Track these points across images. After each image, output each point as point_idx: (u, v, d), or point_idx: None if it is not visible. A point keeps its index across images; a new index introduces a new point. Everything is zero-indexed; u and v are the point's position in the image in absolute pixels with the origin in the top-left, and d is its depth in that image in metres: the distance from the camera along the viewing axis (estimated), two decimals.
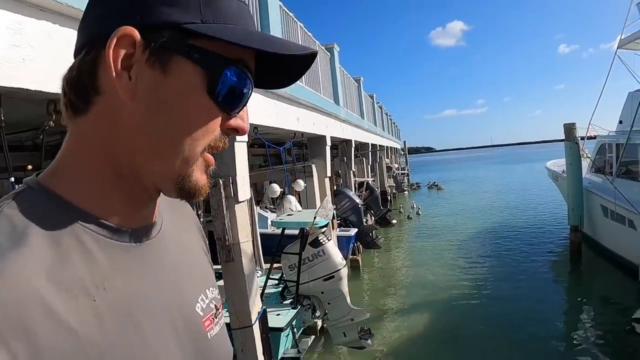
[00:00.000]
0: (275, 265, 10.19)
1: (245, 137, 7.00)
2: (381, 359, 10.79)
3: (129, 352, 0.78)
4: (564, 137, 17.55)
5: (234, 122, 0.86)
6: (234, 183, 6.81)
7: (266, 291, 9.96)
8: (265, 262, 10.32)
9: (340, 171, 20.57)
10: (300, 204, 13.24)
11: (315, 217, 8.92)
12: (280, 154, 12.82)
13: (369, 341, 9.64)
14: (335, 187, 18.42)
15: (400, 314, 13.37)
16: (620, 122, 17.22)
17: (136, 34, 0.76)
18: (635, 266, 13.70)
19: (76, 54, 0.83)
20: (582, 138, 18.04)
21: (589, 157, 18.43)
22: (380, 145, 36.24)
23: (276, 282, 10.36)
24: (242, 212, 7.11)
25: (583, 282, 16.21)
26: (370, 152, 29.70)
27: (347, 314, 9.33)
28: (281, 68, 0.90)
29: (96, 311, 0.75)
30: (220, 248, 6.96)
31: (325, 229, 9.69)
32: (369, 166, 28.03)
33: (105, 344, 0.74)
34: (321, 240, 9.24)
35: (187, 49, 0.78)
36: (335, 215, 12.85)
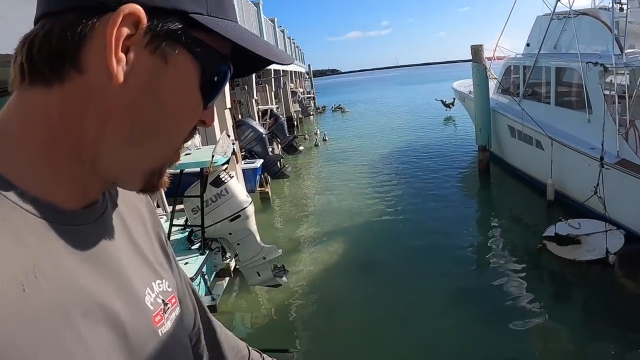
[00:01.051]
0: (179, 207, 9.58)
1: None
2: (299, 294, 10.67)
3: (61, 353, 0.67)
4: (470, 58, 17.65)
5: (204, 114, 0.84)
6: None
7: (172, 238, 9.37)
8: (170, 205, 9.78)
9: (241, 100, 19.78)
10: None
11: (213, 155, 8.30)
12: None
13: (284, 278, 9.42)
14: (237, 118, 17.70)
15: (315, 244, 13.25)
16: (528, 44, 17.51)
17: (143, 15, 0.71)
18: (543, 185, 14.22)
19: (55, 12, 0.72)
20: (489, 59, 18.24)
21: (495, 79, 18.78)
22: (283, 71, 35.39)
23: (182, 227, 9.78)
24: None
25: (492, 201, 16.78)
26: (273, 78, 28.96)
27: (259, 253, 9.00)
28: (249, 63, 0.90)
29: (27, 303, 0.65)
30: None
31: (226, 165, 9.11)
32: (273, 92, 27.34)
33: (32, 345, 0.63)
34: (223, 179, 8.67)
35: (190, 41, 0.76)
36: (236, 148, 12.21)
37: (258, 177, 15.41)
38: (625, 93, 11.07)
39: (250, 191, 13.84)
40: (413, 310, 9.79)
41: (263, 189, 16.70)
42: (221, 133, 10.31)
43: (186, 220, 9.49)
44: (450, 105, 35.98)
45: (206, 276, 8.67)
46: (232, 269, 10.42)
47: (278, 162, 17.00)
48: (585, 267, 10.30)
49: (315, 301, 10.42)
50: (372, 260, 12.07)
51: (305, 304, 10.38)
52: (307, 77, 71.98)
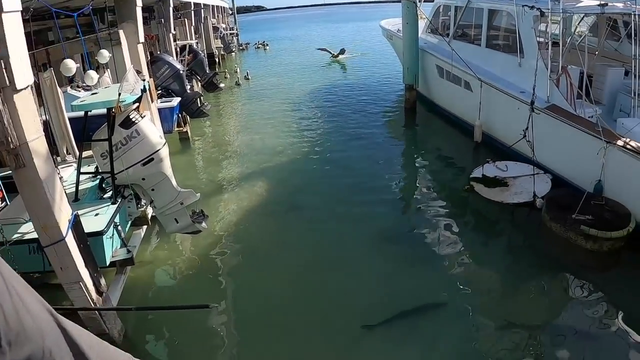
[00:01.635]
0: (87, 153, 8.63)
1: (17, 5, 5.24)
2: (221, 240, 10.11)
3: None
4: None
5: None
6: (8, 67, 5.17)
7: (82, 187, 8.48)
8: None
9: (158, 35, 18.35)
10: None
11: (119, 94, 7.36)
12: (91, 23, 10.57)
13: (204, 224, 8.84)
14: (152, 54, 16.40)
15: (237, 186, 12.63)
16: None
17: None
18: (471, 126, 14.09)
19: None
20: None
21: (426, 18, 18.29)
22: (204, 4, 33.43)
23: (92, 175, 8.85)
24: (24, 103, 5.50)
25: (418, 141, 16.59)
26: (193, 12, 27.30)
27: (175, 198, 8.34)
28: None
29: None
30: (7, 153, 5.49)
31: (137, 104, 8.20)
32: (193, 27, 25.74)
33: None
34: (133, 119, 7.78)
35: None
36: (150, 86, 11.17)
37: (175, 116, 14.44)
38: (559, 39, 10.97)
39: (167, 132, 12.91)
40: (338, 253, 9.55)
41: (181, 129, 15.75)
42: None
43: (96, 168, 8.59)
44: (338, 55, 34.89)
45: (120, 227, 7.90)
46: (149, 217, 9.66)
47: (197, 100, 16.03)
48: (512, 210, 10.33)
49: (238, 246, 9.97)
50: (296, 202, 11.66)
51: (228, 249, 9.89)
52: (231, 12, 69.17)
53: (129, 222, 8.77)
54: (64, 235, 6.06)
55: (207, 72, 21.23)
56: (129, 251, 8.02)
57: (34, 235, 6.43)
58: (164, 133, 9.15)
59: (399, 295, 8.26)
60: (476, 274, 8.76)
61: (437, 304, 7.95)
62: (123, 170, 7.81)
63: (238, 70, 28.44)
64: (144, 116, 8.07)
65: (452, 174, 12.82)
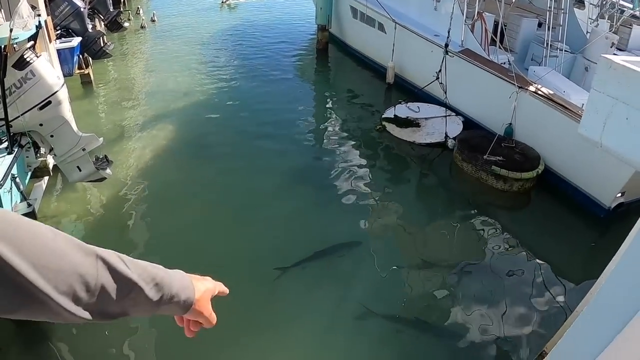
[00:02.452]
0: None
1: None
2: (128, 186, 9.63)
3: None
4: None
5: None
6: None
7: None
8: None
9: None
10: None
11: (11, 30, 6.60)
12: None
13: (108, 170, 8.38)
14: None
15: (143, 129, 12.00)
16: None
17: None
18: (383, 68, 14.03)
19: None
20: None
21: None
22: None
23: None
24: None
25: (330, 81, 16.44)
26: None
27: (77, 144, 7.82)
28: None
29: None
30: None
31: (32, 43, 7.43)
32: None
33: None
34: (28, 59, 7.06)
35: None
36: (48, 24, 10.18)
37: (76, 57, 13.37)
38: None
39: (67, 75, 11.95)
40: (249, 195, 9.41)
41: (83, 71, 14.58)
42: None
43: None
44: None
45: (18, 179, 7.26)
46: (50, 166, 8.97)
47: (99, 40, 14.88)
48: (424, 150, 10.54)
49: (146, 193, 9.54)
50: (205, 144, 11.31)
51: (136, 196, 9.45)
52: None
53: (29, 174, 8.12)
54: None
55: (111, 10, 19.71)
56: (29, 205, 7.46)
57: None
58: (64, 76, 8.39)
59: (312, 236, 8.32)
60: (389, 213, 8.94)
61: (350, 243, 8.07)
62: (19, 117, 7.13)
63: (141, 12, 26.56)
64: (39, 55, 7.34)
65: (364, 115, 12.82)
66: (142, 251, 8.08)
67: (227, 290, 1.67)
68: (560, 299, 7.12)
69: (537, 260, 7.78)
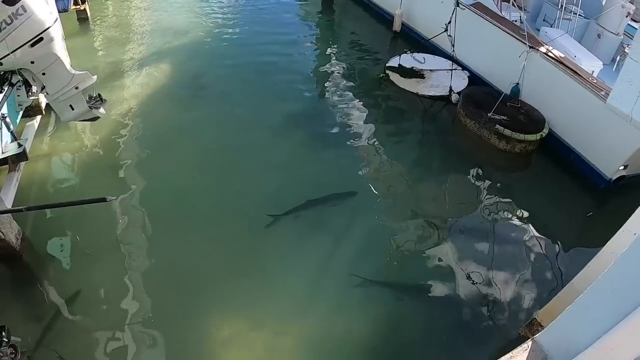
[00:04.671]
0: None
1: None
2: (122, 126, 9.46)
3: None
4: None
5: None
6: None
7: None
8: None
9: None
10: None
11: None
12: None
13: (102, 109, 8.11)
14: None
15: (139, 67, 11.67)
16: None
17: None
18: (390, 15, 13.52)
19: None
20: None
21: None
22: None
23: None
24: None
25: (335, 27, 15.78)
26: None
27: (70, 82, 7.51)
28: None
29: None
30: None
31: None
32: None
33: None
34: None
35: None
36: None
37: None
38: None
39: (62, 11, 11.47)
40: (245, 137, 9.29)
41: (79, 7, 13.96)
42: None
43: None
44: None
45: (8, 118, 7.02)
46: (42, 105, 8.70)
47: None
48: (427, 102, 10.31)
49: (141, 133, 9.39)
50: (202, 85, 11.02)
51: (129, 136, 9.30)
52: None
53: (20, 113, 7.85)
54: None
55: None
56: (20, 145, 7.23)
57: None
58: (59, 12, 7.98)
59: (306, 183, 8.27)
60: (387, 165, 8.86)
61: (345, 194, 8.02)
62: (9, 54, 6.82)
63: None
64: None
65: (368, 62, 12.45)
66: (134, 193, 8.03)
67: None
68: (551, 264, 7.11)
69: (531, 224, 7.74)
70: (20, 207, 6.51)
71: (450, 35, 10.31)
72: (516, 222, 7.80)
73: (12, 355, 4.35)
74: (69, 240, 7.24)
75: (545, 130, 8.71)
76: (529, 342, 3.45)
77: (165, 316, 6.26)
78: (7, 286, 6.75)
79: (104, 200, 5.58)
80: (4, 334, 4.15)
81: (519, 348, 3.45)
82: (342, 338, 6.00)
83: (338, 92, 10.94)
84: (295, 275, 6.75)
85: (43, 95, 8.13)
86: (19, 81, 7.46)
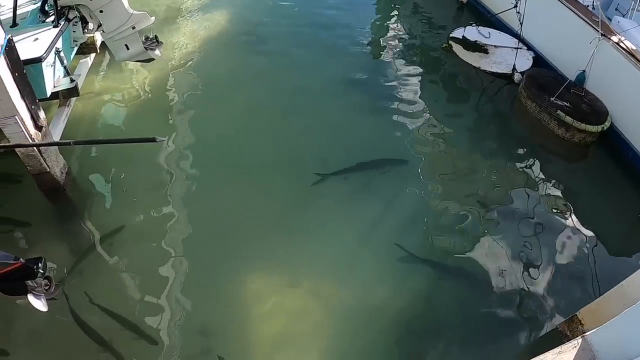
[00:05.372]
0: None
1: None
2: (175, 70, 9.43)
3: None
4: None
5: None
6: None
7: (22, 10, 7.42)
8: None
9: None
10: None
11: None
12: None
13: (157, 51, 8.14)
14: None
15: (198, 12, 11.68)
16: None
17: None
18: None
19: None
20: None
21: None
22: None
23: None
24: None
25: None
26: None
27: (127, 22, 7.54)
28: None
29: None
30: None
31: None
32: None
33: None
34: None
35: None
36: None
37: None
38: None
39: None
40: (299, 93, 9.15)
41: None
42: None
43: None
44: None
45: (62, 53, 7.05)
46: (97, 43, 8.71)
47: None
48: (488, 78, 9.85)
49: (194, 78, 9.35)
50: (259, 36, 10.82)
51: (182, 81, 9.27)
52: None
53: (74, 49, 7.90)
54: None
55: None
56: (72, 80, 7.29)
57: None
58: None
59: (358, 145, 8.09)
60: (440, 137, 8.59)
61: (396, 161, 7.85)
62: None
63: None
64: None
65: (430, 30, 11.98)
66: (182, 137, 8.05)
67: None
68: (595, 262, 6.78)
69: (580, 219, 7.33)
70: (68, 141, 6.56)
71: (519, 12, 9.78)
72: (563, 214, 7.45)
73: (47, 287, 4.38)
74: (112, 179, 7.34)
75: (607, 123, 8.24)
76: (579, 340, 3.32)
77: (200, 262, 6.33)
78: (49, 218, 6.90)
79: (153, 140, 5.54)
80: (40, 265, 4.17)
81: (569, 344, 3.33)
82: (376, 308, 5.92)
83: (397, 57, 10.62)
84: (337, 237, 6.67)
85: (99, 33, 8.14)
86: (75, 17, 7.48)
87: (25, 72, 5.90)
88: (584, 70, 8.73)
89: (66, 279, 6.00)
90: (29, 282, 4.12)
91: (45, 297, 4.31)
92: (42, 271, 4.20)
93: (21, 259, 3.97)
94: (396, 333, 5.74)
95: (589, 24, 8.63)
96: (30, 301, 4.13)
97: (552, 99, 8.43)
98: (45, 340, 5.60)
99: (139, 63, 8.71)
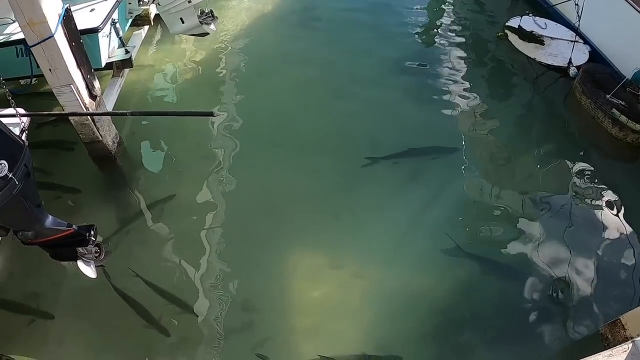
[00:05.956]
0: None
1: None
2: (228, 45, 9.55)
3: None
4: None
5: None
6: None
7: None
8: None
9: None
10: None
11: None
12: None
13: (212, 26, 8.17)
14: None
15: None
16: None
17: None
18: None
19: None
20: None
21: None
22: None
23: None
24: None
25: None
26: None
27: None
28: None
29: None
30: None
31: None
32: None
33: None
34: None
35: None
36: None
37: None
38: None
39: None
40: (351, 74, 9.15)
41: None
42: None
43: None
44: None
45: (118, 24, 7.18)
46: (151, 16, 8.83)
47: None
48: (541, 70, 9.60)
49: (247, 55, 9.45)
50: (312, 16, 10.84)
51: (236, 57, 9.39)
52: None
53: (129, 21, 8.04)
54: (53, 31, 5.42)
55: None
56: (127, 51, 7.43)
57: (22, 35, 5.75)
58: None
59: (408, 131, 8.08)
60: (489, 128, 8.48)
61: (447, 149, 7.81)
62: None
63: None
64: None
65: (484, 18, 11.70)
66: (232, 113, 8.17)
67: None
68: None
69: (626, 222, 7.11)
70: (125, 111, 6.73)
71: (577, 4, 9.48)
72: (610, 216, 7.23)
73: (97, 254, 4.51)
74: (161, 150, 7.52)
75: None
76: (629, 345, 3.26)
77: (245, 237, 6.45)
78: (99, 186, 7.12)
79: (211, 114, 5.66)
80: (92, 232, 4.29)
81: (619, 348, 3.27)
82: (416, 295, 5.95)
83: (450, 45, 10.47)
84: (384, 222, 6.69)
85: (154, 5, 8.23)
86: None
87: (82, 42, 6.03)
88: None
89: (110, 247, 6.17)
90: (79, 248, 4.24)
91: (94, 264, 4.44)
92: (93, 239, 4.33)
93: (74, 226, 4.11)
94: (434, 322, 5.75)
95: None
96: (80, 267, 4.27)
97: (607, 96, 8.17)
98: (89, 307, 5.81)
99: (191, 37, 8.79)
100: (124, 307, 5.74)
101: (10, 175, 3.34)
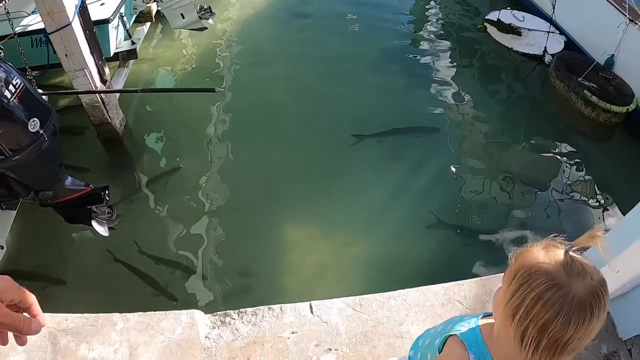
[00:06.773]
0: None
1: None
2: (226, 38, 10.07)
3: None
4: None
5: None
6: None
7: None
8: None
9: None
10: None
11: None
12: None
13: (211, 20, 8.69)
14: None
15: None
16: None
17: None
18: None
19: None
20: None
21: None
22: None
23: None
24: None
25: None
26: None
27: None
28: None
29: None
30: None
31: None
32: None
33: None
34: None
35: None
36: None
37: None
38: None
39: None
40: (340, 62, 9.74)
41: None
42: None
43: None
44: None
45: (125, 18, 7.74)
46: (154, 13, 9.39)
47: None
48: (519, 59, 10.22)
49: (243, 47, 10.05)
50: (304, 11, 11.49)
51: (233, 49, 9.98)
52: None
53: (134, 16, 8.58)
54: (70, 20, 5.95)
55: None
56: (133, 43, 7.97)
57: (38, 26, 6.30)
58: None
59: (394, 112, 8.62)
60: (470, 111, 9.05)
61: (428, 129, 8.37)
62: None
63: None
64: None
65: (466, 12, 12.32)
66: (228, 100, 8.70)
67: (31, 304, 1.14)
68: None
69: (601, 198, 7.61)
70: (136, 89, 7.26)
71: None
72: (586, 191, 7.73)
73: (109, 215, 4.94)
74: (164, 132, 8.05)
75: (633, 106, 8.49)
76: None
77: (242, 210, 6.92)
78: (106, 166, 7.63)
79: (212, 90, 6.13)
80: (107, 192, 4.72)
81: None
82: (401, 260, 6.36)
83: (434, 35, 11.10)
84: (371, 195, 7.18)
85: (155, 4, 8.78)
86: None
87: (95, 31, 6.60)
88: (613, 55, 9.00)
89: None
90: (93, 207, 4.69)
91: (107, 224, 4.91)
92: (107, 198, 4.82)
93: (91, 185, 4.59)
94: (416, 282, 6.18)
95: (617, 9, 8.88)
96: (94, 226, 4.72)
97: (579, 79, 8.74)
98: (99, 277, 6.18)
99: (190, 33, 9.30)
100: (131, 277, 6.13)
101: (42, 132, 3.75)
